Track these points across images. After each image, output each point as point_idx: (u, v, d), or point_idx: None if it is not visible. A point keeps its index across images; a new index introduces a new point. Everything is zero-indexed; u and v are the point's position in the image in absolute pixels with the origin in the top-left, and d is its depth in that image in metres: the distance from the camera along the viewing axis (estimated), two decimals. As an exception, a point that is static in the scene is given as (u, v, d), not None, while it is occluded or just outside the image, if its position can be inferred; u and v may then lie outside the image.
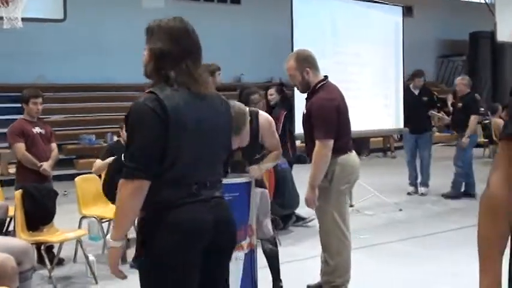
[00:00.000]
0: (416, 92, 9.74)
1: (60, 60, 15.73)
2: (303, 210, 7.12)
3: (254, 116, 4.67)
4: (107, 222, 6.55)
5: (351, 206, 8.46)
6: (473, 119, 9.23)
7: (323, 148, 4.59)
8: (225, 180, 4.40)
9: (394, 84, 9.38)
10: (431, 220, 8.18)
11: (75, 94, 16.17)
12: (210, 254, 2.71)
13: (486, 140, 14.76)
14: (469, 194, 9.39)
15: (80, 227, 6.26)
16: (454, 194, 9.48)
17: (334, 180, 4.70)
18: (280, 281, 5.06)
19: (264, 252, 4.96)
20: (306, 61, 4.75)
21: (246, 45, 18.35)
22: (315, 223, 7.43)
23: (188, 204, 2.63)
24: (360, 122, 8.37)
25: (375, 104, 9.00)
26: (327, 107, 4.65)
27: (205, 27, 19.56)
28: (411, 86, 9.79)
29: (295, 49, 7.95)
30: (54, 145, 6.61)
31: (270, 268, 5.03)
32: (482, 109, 19.21)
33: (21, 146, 6.23)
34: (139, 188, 2.52)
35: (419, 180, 9.90)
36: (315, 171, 4.63)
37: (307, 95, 4.83)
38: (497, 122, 13.40)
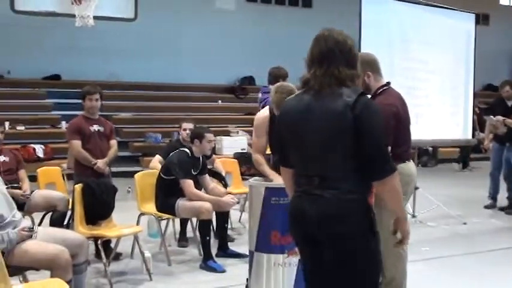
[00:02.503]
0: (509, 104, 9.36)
1: (131, 58, 16.09)
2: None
3: None
4: (165, 220, 6.62)
5: (413, 216, 8.27)
6: None
7: None
8: (281, 185, 4.46)
9: (464, 94, 9.10)
10: (495, 235, 7.89)
11: (143, 92, 16.51)
12: None
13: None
14: None
15: (138, 223, 6.31)
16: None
17: None
18: None
19: None
20: (369, 65, 4.63)
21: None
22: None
23: None
24: (425, 130, 8.20)
25: (442, 112, 8.76)
26: (386, 111, 4.51)
27: (275, 30, 19.73)
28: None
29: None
30: (113, 142, 6.57)
31: None
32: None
33: (77, 144, 6.27)
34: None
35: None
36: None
37: None
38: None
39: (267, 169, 4.75)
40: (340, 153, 2.93)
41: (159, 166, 6.70)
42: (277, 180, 4.61)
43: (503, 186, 9.51)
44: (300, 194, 3.07)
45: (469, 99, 9.17)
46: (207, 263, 6.05)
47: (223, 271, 5.97)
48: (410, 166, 4.70)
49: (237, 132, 15.18)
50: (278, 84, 4.76)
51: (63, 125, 13.75)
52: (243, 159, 9.31)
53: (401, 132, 4.59)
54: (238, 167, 8.59)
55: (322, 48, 2.99)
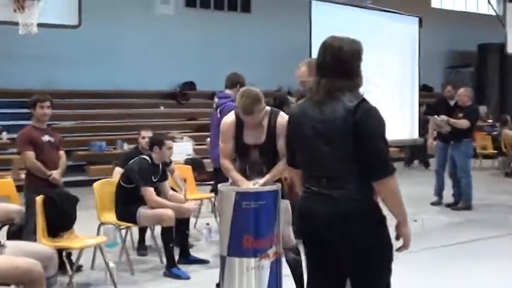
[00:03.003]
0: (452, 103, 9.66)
1: (71, 66, 15.75)
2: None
3: (274, 115, 4.75)
4: (125, 229, 6.54)
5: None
6: (465, 121, 9.20)
7: None
8: (251, 189, 4.49)
9: (410, 95, 9.35)
10: (446, 230, 8.14)
11: (85, 100, 16.23)
12: None
13: (495, 151, 14.72)
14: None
15: (98, 233, 6.22)
16: (466, 205, 9.47)
17: None
18: None
19: (287, 262, 4.92)
20: None
21: (255, 53, 18.29)
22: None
23: None
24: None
25: (391, 114, 8.95)
26: None
27: (215, 35, 19.67)
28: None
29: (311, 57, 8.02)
30: (62, 153, 6.50)
31: (293, 277, 4.98)
32: (490, 121, 19.25)
33: (30, 155, 6.14)
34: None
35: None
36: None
37: None
38: (509, 133, 13.38)
39: (235, 175, 4.76)
40: (344, 156, 3.06)
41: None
42: (245, 185, 4.64)
43: (448, 183, 9.82)
44: (309, 194, 3.21)
45: (414, 100, 9.44)
46: (171, 270, 6.02)
47: (188, 278, 5.97)
48: None
49: (182, 138, 15.09)
50: (244, 89, 4.77)
51: (4, 135, 13.38)
52: (194, 165, 9.28)
53: None
54: (192, 173, 8.57)
55: (320, 58, 3.20)
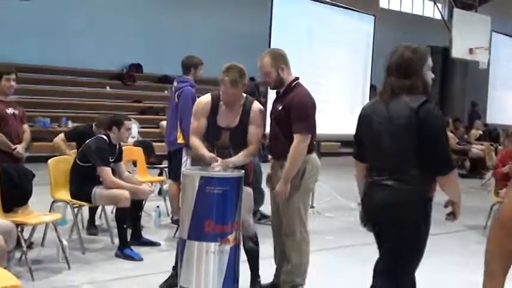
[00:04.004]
0: None
1: (15, 39, 15.30)
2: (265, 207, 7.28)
3: (249, 101, 4.86)
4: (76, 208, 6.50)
5: (312, 207, 8.59)
6: None
7: (302, 142, 4.71)
8: (216, 174, 4.55)
9: (361, 91, 9.57)
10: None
11: (29, 75, 15.77)
12: None
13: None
14: None
15: (50, 210, 6.18)
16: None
17: (305, 177, 4.85)
18: (259, 276, 5.12)
19: (246, 249, 5.00)
20: (281, 58, 4.86)
21: (210, 40, 18.21)
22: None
23: None
24: (324, 125, 8.55)
25: (341, 108, 9.17)
26: (310, 103, 4.83)
27: (165, 17, 19.35)
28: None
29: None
30: (26, 126, 6.40)
31: (249, 264, 5.08)
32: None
33: None
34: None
35: None
36: (292, 165, 4.74)
37: (281, 93, 4.93)
38: (449, 135, 13.80)
39: (205, 152, 4.78)
40: (406, 151, 3.44)
41: (62, 144, 6.66)
42: (215, 162, 4.62)
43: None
44: (371, 184, 3.61)
45: (365, 97, 9.66)
46: (124, 251, 6.03)
47: (141, 259, 5.99)
48: (316, 158, 5.00)
49: (129, 120, 14.94)
50: (228, 64, 4.80)
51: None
52: (144, 148, 9.21)
53: (315, 125, 4.92)
54: (143, 155, 8.54)
55: (389, 60, 3.59)
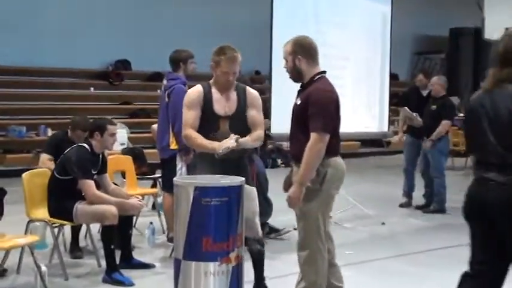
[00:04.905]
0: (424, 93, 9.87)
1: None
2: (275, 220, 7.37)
3: (242, 88, 5.22)
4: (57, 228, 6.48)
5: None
6: (445, 124, 9.42)
7: (319, 142, 4.66)
8: (213, 184, 4.54)
9: (380, 83, 9.51)
10: (417, 235, 8.35)
11: (2, 78, 15.80)
12: None
13: (468, 149, 15.07)
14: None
15: (26, 231, 6.16)
16: (439, 207, 9.68)
17: (326, 183, 4.79)
18: (264, 279, 5.28)
19: (251, 252, 5.13)
20: (302, 48, 4.87)
21: (204, 31, 18.20)
22: (290, 236, 7.57)
23: None
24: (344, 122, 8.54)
25: (358, 103, 9.13)
26: (330, 98, 4.79)
27: (166, 11, 19.29)
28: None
29: (274, 38, 8.12)
30: None
31: (254, 268, 5.23)
32: (462, 114, 19.71)
33: None
34: None
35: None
36: (306, 167, 4.68)
37: (302, 86, 4.93)
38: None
39: (204, 141, 4.96)
40: (510, 144, 3.64)
41: (51, 164, 6.60)
42: (218, 146, 4.83)
43: (418, 183, 10.04)
44: (479, 181, 3.81)
45: (385, 89, 9.60)
46: (112, 276, 6.00)
47: (132, 284, 5.97)
48: (341, 162, 4.97)
49: (114, 124, 14.93)
50: (220, 45, 5.17)
51: None
52: (134, 156, 9.18)
53: (337, 124, 4.88)
54: (132, 164, 8.53)
55: (495, 50, 3.83)
